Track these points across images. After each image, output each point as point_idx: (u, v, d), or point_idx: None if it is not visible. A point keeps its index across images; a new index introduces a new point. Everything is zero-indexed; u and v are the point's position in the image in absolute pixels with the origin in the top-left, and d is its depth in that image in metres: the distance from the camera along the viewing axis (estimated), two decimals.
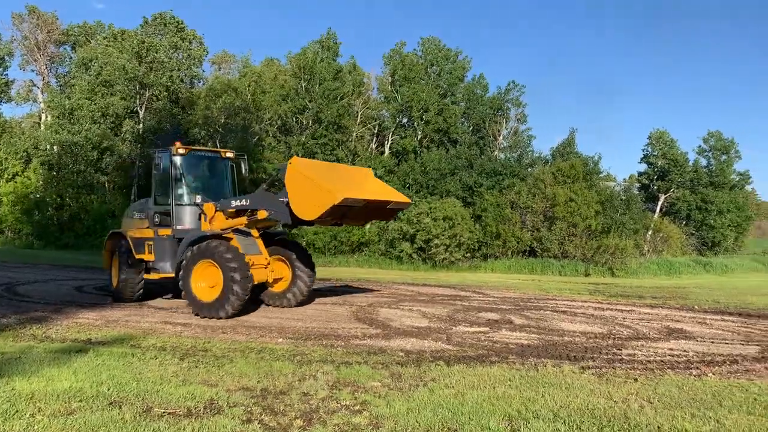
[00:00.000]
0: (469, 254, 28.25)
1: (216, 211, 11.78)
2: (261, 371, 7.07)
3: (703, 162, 44.96)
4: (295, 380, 6.74)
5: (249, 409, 5.69)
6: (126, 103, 35.01)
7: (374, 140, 37.50)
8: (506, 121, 38.23)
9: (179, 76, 36.87)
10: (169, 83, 35.31)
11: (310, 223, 11.47)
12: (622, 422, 5.59)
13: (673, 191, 42.64)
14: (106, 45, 35.78)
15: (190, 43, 39.04)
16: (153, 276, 12.25)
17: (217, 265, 10.77)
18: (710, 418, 5.80)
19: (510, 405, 5.99)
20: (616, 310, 13.85)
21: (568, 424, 5.48)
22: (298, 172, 10.58)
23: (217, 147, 33.01)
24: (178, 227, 12.03)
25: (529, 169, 34.78)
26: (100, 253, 14.56)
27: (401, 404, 5.91)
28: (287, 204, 10.79)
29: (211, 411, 5.60)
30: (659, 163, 43.15)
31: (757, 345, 9.89)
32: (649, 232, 35.57)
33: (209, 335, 9.31)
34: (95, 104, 34.07)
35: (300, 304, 12.59)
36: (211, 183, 13.14)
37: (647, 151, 44.52)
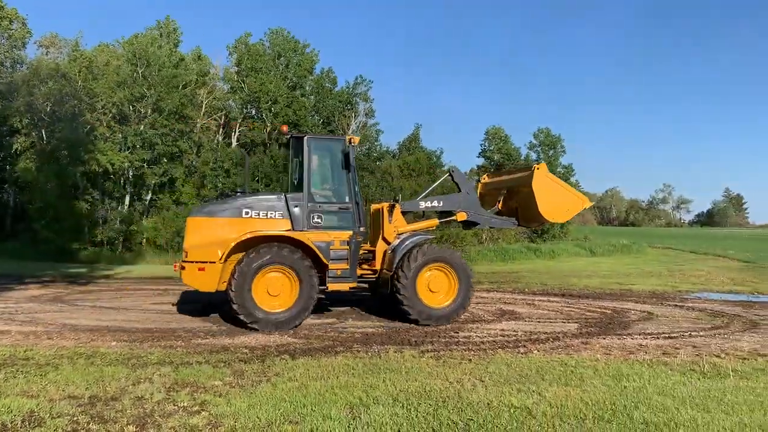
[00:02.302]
0: None
1: (402, 212, 11.30)
2: (90, 377, 6.57)
3: (534, 156, 48.74)
4: (129, 384, 6.35)
5: (75, 418, 5.28)
6: None
7: (221, 131, 36.33)
8: (355, 116, 38.80)
9: None
10: None
11: (514, 224, 12.07)
12: (456, 401, 5.91)
13: None
14: None
15: (11, 22, 35.21)
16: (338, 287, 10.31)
17: (453, 270, 10.45)
18: (533, 391, 6.31)
19: (352, 393, 6.10)
20: None
21: (406, 407, 5.69)
22: (547, 177, 11.25)
23: (43, 137, 30.24)
24: (362, 228, 10.47)
25: (378, 163, 35.56)
26: None
27: (242, 401, 5.80)
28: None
29: (30, 424, 5.12)
30: (495, 157, 46.08)
31: (576, 323, 10.92)
32: None
33: (32, 342, 8.50)
34: None
35: None
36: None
37: (485, 146, 47.38)
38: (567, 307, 13.05)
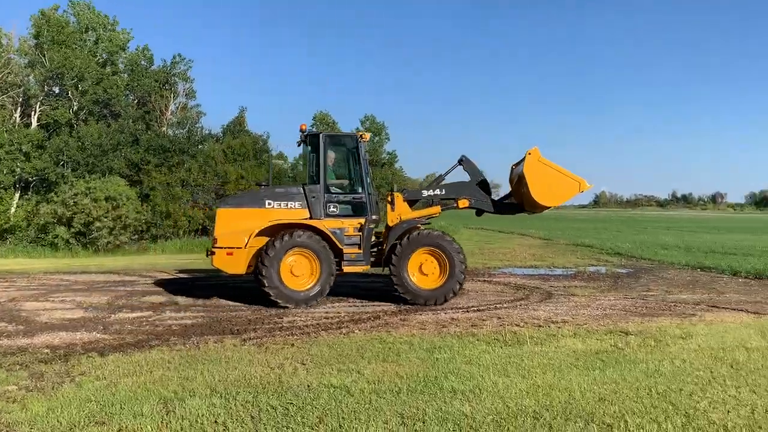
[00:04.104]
0: (136, 236, 26.61)
1: (404, 200, 11.72)
2: None
3: None
4: None
5: None
6: None
7: (18, 110, 32.51)
8: (174, 96, 36.81)
9: None
10: None
11: (518, 211, 12.40)
12: (276, 386, 5.91)
13: None
14: None
15: None
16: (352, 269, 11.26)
17: (442, 253, 10.91)
18: (353, 370, 6.50)
19: (167, 387, 5.84)
20: None
21: (225, 396, 5.58)
22: (540, 161, 11.16)
23: None
24: (374, 216, 11.35)
25: (200, 147, 34.11)
26: None
27: (40, 405, 5.30)
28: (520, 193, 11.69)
29: None
30: None
31: (394, 301, 11.39)
32: None
33: None
34: None
35: None
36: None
37: (312, 131, 47.61)
38: (386, 287, 13.55)
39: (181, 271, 16.76)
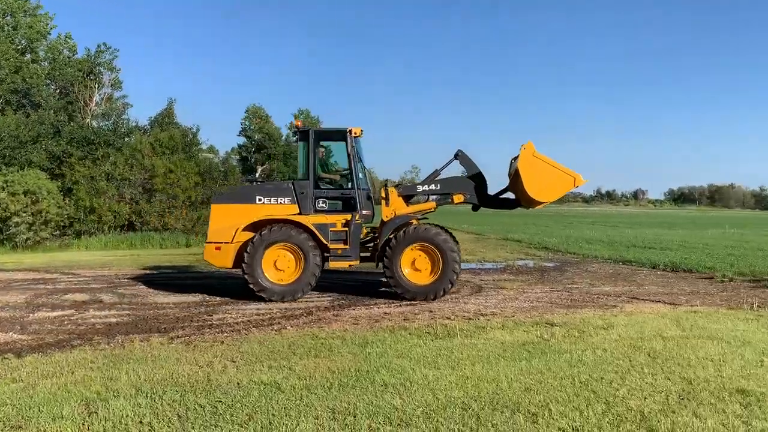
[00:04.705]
0: (58, 232, 25.44)
1: (399, 195, 11.70)
2: None
3: (294, 137, 49.54)
4: None
5: None
6: None
7: None
8: (99, 86, 35.38)
9: None
10: None
11: (511, 206, 12.33)
12: (205, 384, 5.79)
13: (269, 163, 45.78)
14: None
15: None
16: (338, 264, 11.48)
17: (436, 249, 10.88)
18: (284, 366, 6.45)
19: (89, 388, 5.63)
20: (211, 277, 14.27)
21: (151, 396, 5.43)
22: (534, 156, 11.06)
23: None
24: (364, 212, 11.31)
25: (126, 139, 32.91)
26: None
27: None
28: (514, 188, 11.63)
29: None
30: (256, 136, 45.78)
31: (329, 296, 11.40)
32: None
33: None
34: None
35: None
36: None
37: (245, 125, 46.76)
38: (320, 281, 13.50)
39: (105, 268, 16.15)
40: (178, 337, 7.91)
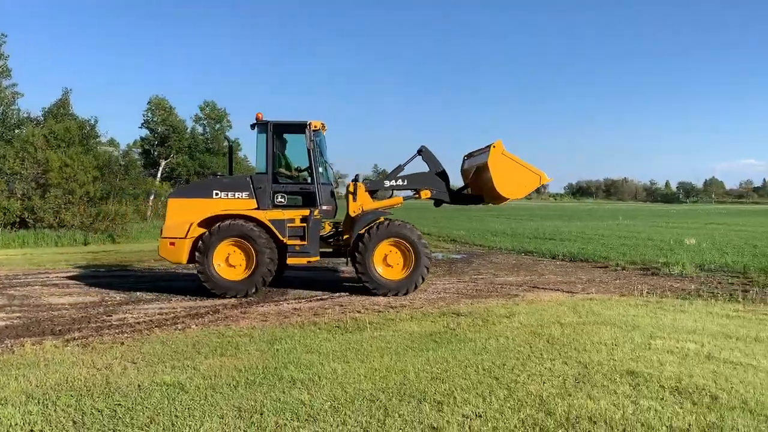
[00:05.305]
0: None
1: (366, 191, 11.62)
2: None
3: (200, 129, 47.92)
4: None
5: None
6: None
7: None
8: None
9: None
10: None
11: (477, 201, 12.28)
12: (103, 388, 5.53)
13: (173, 157, 44.14)
14: None
15: None
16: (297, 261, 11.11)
17: (408, 244, 10.90)
18: (188, 366, 6.26)
19: None
20: (112, 276, 13.63)
21: (43, 402, 5.12)
22: (503, 154, 11.20)
23: None
24: (324, 207, 11.08)
25: (17, 131, 30.78)
26: None
27: None
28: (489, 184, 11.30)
29: None
30: (159, 129, 43.98)
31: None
32: (152, 197, 36.09)
33: None
34: None
35: None
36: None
37: (148, 117, 44.81)
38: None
39: None
40: (74, 339, 7.50)
